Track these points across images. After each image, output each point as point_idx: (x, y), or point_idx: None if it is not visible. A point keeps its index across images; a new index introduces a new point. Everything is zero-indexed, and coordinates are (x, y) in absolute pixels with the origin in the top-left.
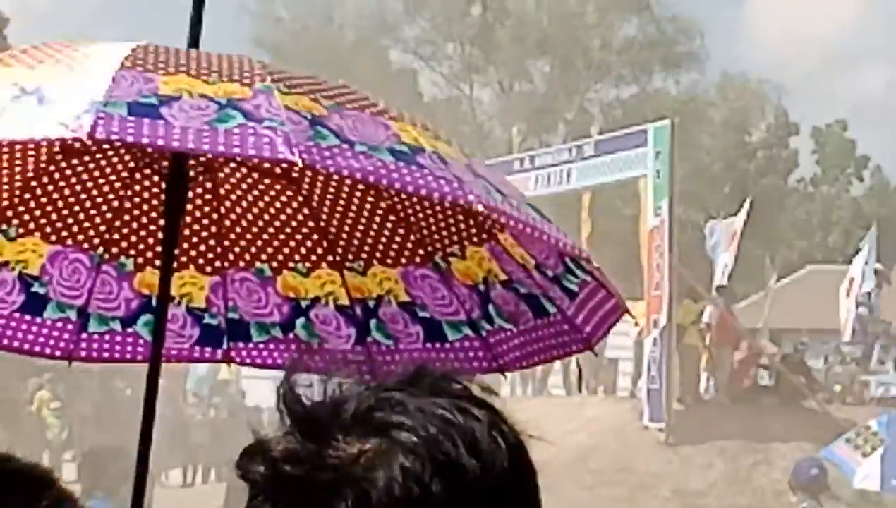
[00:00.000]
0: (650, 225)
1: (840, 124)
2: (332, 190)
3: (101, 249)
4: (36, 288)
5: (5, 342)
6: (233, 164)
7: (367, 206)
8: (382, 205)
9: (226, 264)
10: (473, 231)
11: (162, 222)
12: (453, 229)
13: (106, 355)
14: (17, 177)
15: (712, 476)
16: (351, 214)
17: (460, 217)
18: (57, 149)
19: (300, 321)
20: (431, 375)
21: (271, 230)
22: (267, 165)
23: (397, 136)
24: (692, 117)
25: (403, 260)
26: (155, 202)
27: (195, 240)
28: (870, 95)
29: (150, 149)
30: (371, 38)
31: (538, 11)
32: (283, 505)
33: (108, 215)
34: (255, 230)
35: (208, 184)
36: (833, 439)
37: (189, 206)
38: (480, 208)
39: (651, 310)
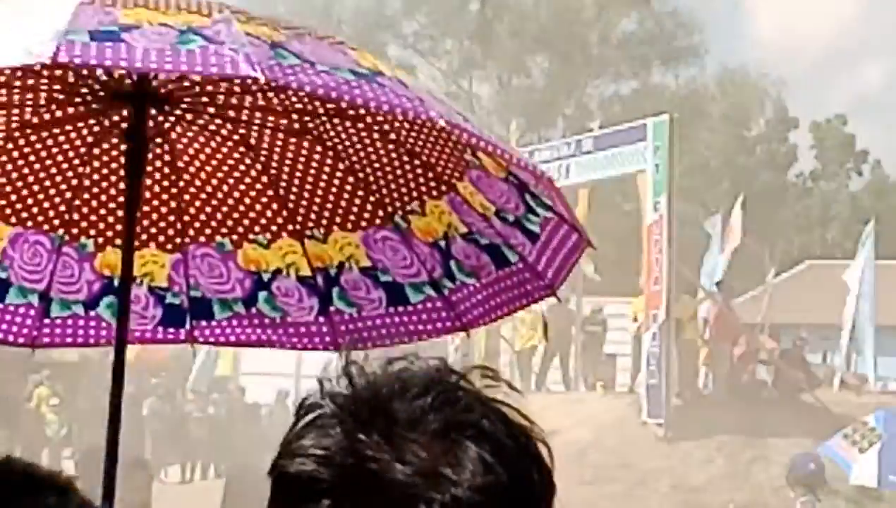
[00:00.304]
0: (649, 220)
1: (840, 119)
2: (289, 156)
3: (61, 230)
4: None
5: None
6: (190, 134)
7: (326, 170)
8: (341, 167)
9: (186, 240)
10: (433, 184)
11: (122, 199)
12: (412, 184)
13: (69, 340)
14: None
15: (711, 472)
16: (309, 181)
17: (419, 170)
18: (15, 125)
19: (262, 295)
20: (453, 373)
21: (230, 202)
22: (225, 131)
23: (357, 62)
24: (691, 112)
25: (364, 224)
26: (114, 178)
27: (155, 216)
28: (870, 90)
29: (111, 71)
30: (369, 33)
31: (536, 6)
32: (351, 505)
33: (68, 194)
34: (214, 203)
35: (167, 158)
36: (832, 434)
37: (148, 181)
38: (442, 123)
39: (650, 306)
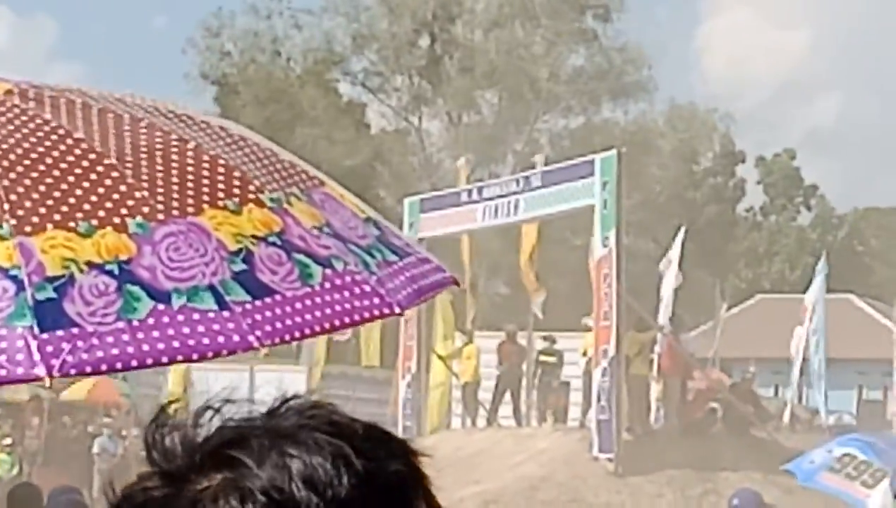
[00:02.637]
0: (598, 255)
1: (788, 153)
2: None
3: None
4: None
5: None
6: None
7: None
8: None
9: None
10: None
11: None
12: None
13: None
14: None
15: (662, 506)
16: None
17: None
18: None
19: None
20: (299, 404)
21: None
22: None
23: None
24: (641, 147)
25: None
26: None
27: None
28: (818, 125)
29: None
30: (319, 71)
31: (486, 43)
32: None
33: None
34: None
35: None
36: (782, 466)
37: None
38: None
39: (600, 341)
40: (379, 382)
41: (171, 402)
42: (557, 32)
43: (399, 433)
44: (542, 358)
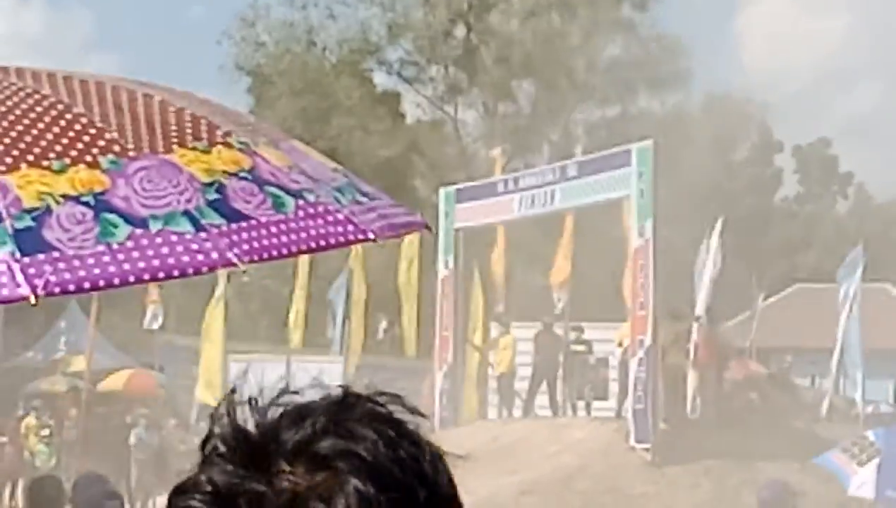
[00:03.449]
0: (634, 245)
1: (823, 142)
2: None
3: None
4: None
5: None
6: None
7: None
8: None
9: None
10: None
11: None
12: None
13: None
14: None
15: (699, 497)
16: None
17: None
18: None
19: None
20: (358, 398)
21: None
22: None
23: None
24: (677, 137)
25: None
26: None
27: None
28: (855, 113)
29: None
30: (354, 60)
31: (522, 32)
32: None
33: None
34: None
35: None
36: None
37: None
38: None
39: (636, 331)
40: (415, 373)
41: (232, 392)
42: (594, 22)
43: (436, 423)
44: (573, 347)
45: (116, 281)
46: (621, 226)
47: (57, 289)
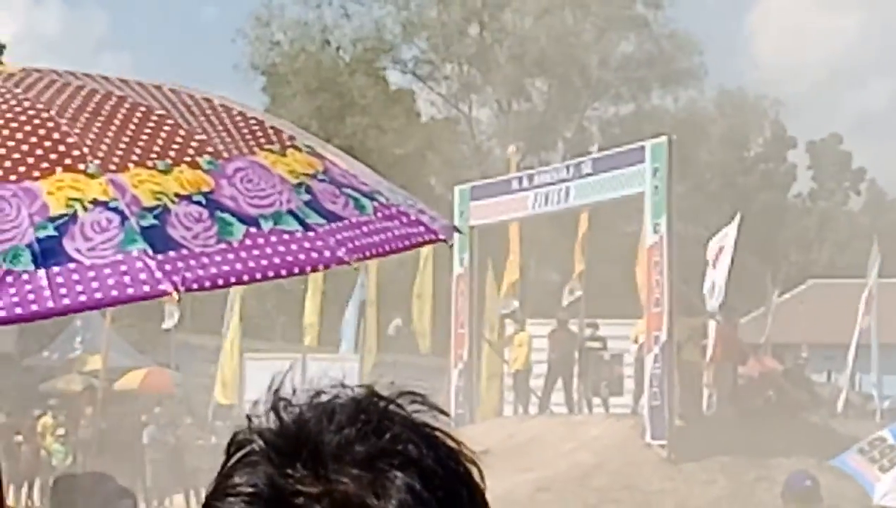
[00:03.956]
0: (649, 241)
1: (835, 138)
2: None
3: None
4: None
5: None
6: None
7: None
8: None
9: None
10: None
11: None
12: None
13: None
14: None
15: (715, 493)
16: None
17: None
18: None
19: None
20: (385, 398)
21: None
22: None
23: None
24: (691, 134)
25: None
26: None
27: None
28: (868, 109)
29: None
30: (368, 59)
31: (536, 30)
32: None
33: None
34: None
35: None
36: (836, 453)
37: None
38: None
39: (651, 327)
40: (431, 370)
41: (277, 391)
42: (607, 19)
43: (452, 421)
44: (588, 344)
45: (245, 277)
46: (636, 222)
47: (195, 286)
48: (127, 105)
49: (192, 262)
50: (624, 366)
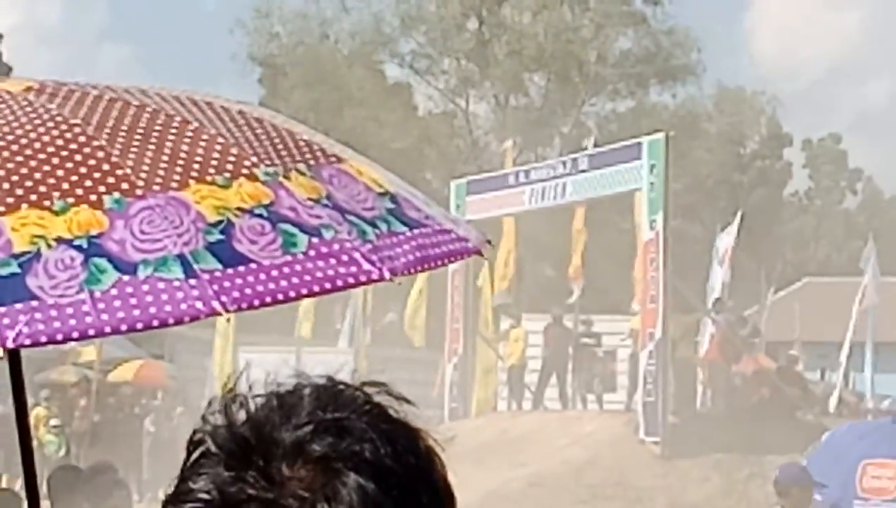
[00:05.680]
0: (645, 238)
1: (833, 137)
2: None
3: None
4: None
5: None
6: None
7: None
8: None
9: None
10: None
11: None
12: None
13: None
14: None
15: (708, 490)
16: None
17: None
18: None
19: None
20: (345, 388)
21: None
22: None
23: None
24: (688, 130)
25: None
26: None
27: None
28: (867, 108)
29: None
30: (366, 52)
31: (534, 25)
32: None
33: None
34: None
35: None
36: None
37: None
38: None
39: (646, 324)
40: (425, 365)
41: (227, 391)
42: (605, 15)
43: (446, 415)
44: (582, 340)
45: (91, 331)
46: (632, 219)
47: (27, 341)
48: (68, 135)
49: (38, 315)
50: (618, 362)
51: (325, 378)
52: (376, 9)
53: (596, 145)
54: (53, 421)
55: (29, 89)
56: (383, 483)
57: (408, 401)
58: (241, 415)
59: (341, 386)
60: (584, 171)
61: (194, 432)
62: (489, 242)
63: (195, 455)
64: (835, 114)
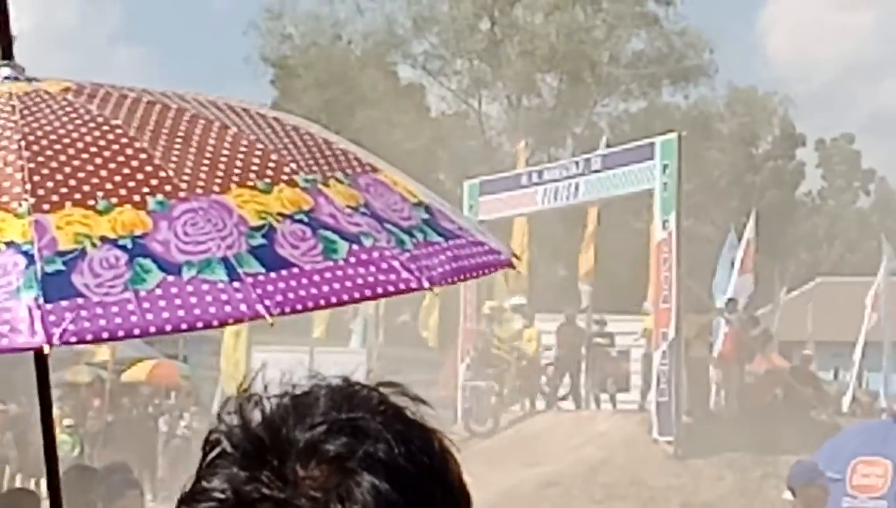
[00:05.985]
0: (658, 238)
1: (846, 137)
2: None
3: None
4: None
5: None
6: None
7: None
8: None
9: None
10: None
11: None
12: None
13: None
14: None
15: (722, 489)
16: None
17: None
18: None
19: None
20: (360, 389)
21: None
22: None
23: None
24: (701, 131)
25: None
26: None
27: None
28: (881, 108)
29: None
30: (379, 53)
31: (547, 26)
32: None
33: None
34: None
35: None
36: None
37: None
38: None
39: (659, 324)
40: (438, 365)
41: (242, 392)
42: (618, 16)
43: (459, 415)
44: (595, 339)
45: (137, 331)
46: (644, 219)
47: (73, 339)
48: (110, 136)
49: (83, 313)
50: (631, 362)
51: (340, 378)
52: (389, 10)
53: (608, 145)
54: (67, 421)
55: (67, 90)
56: (397, 483)
57: (423, 402)
58: (257, 415)
59: (356, 387)
60: (596, 172)
61: (210, 432)
62: (516, 256)
63: (211, 454)
64: (848, 114)
